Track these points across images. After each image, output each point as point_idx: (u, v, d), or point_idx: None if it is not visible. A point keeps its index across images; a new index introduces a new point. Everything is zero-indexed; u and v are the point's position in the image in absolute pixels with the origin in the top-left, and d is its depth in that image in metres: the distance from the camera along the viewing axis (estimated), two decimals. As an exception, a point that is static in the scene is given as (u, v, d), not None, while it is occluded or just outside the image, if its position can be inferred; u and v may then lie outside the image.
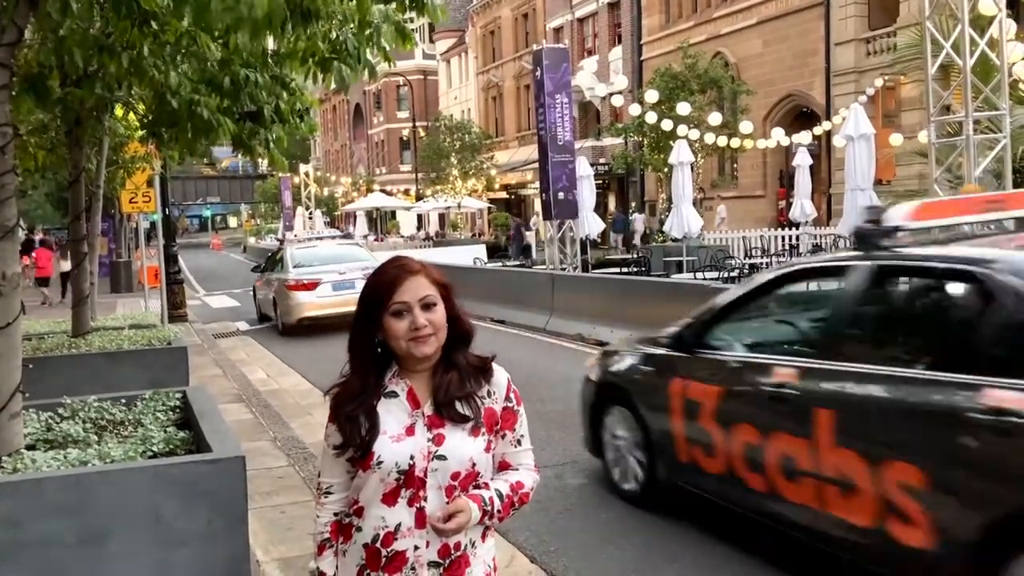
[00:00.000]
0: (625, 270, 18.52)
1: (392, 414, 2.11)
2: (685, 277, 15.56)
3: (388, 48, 4.42)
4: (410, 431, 2.10)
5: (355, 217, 50.35)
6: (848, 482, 4.06)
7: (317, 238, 21.23)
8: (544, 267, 19.04)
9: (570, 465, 6.88)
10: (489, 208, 45.48)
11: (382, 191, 51.24)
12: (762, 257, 18.65)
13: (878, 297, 4.51)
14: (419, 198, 46.84)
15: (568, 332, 13.32)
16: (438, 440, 2.10)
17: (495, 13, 49.60)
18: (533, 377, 10.21)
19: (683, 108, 19.13)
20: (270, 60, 5.35)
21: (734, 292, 5.44)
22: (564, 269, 17.33)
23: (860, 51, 27.26)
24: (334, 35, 4.40)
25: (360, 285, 2.30)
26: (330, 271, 15.03)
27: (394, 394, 2.14)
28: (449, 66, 58.96)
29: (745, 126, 20.74)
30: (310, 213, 51.36)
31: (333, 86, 4.68)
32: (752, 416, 4.63)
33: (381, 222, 57.35)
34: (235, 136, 5.52)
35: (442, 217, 44.13)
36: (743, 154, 27.33)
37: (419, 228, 45.01)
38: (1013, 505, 3.46)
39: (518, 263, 23.74)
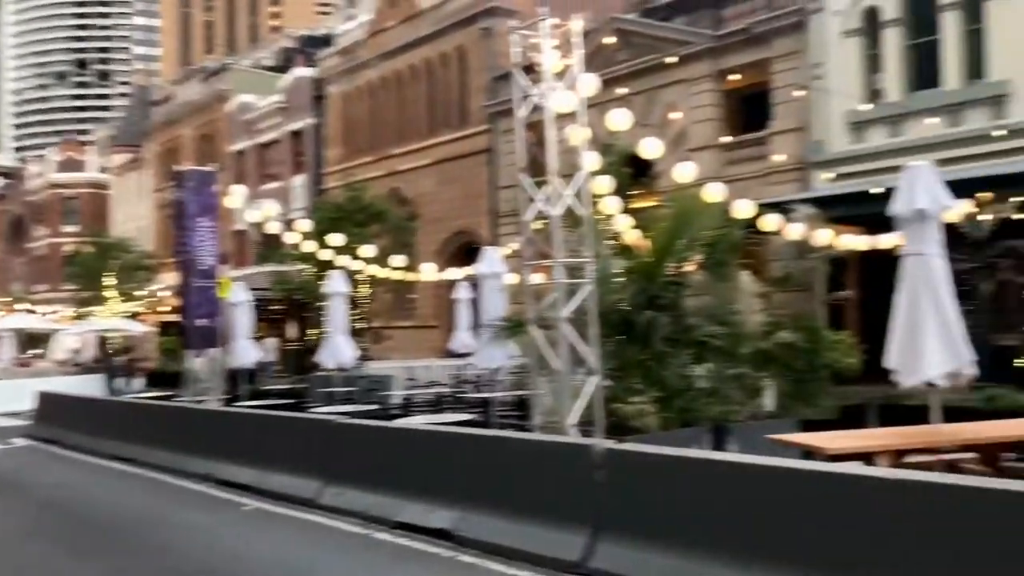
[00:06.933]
0: (277, 401, 17.85)
1: None
2: (325, 409, 15.19)
3: None
4: None
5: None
6: None
7: None
8: (184, 399, 17.86)
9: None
10: (159, 331, 42.39)
11: (28, 311, 46.04)
12: (417, 388, 18.93)
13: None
14: (79, 318, 42.75)
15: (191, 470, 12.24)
16: None
17: (176, 131, 47.95)
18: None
19: (336, 239, 19.31)
20: None
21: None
22: (201, 402, 16.30)
23: (522, 195, 29.40)
24: None
25: None
26: None
27: None
28: (124, 181, 55.67)
29: (398, 259, 21.45)
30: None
31: None
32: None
33: (40, 344, 51.28)
34: None
35: (103, 340, 40.28)
36: (420, 286, 27.98)
37: (77, 352, 40.74)
38: None
39: (159, 395, 21.81)
